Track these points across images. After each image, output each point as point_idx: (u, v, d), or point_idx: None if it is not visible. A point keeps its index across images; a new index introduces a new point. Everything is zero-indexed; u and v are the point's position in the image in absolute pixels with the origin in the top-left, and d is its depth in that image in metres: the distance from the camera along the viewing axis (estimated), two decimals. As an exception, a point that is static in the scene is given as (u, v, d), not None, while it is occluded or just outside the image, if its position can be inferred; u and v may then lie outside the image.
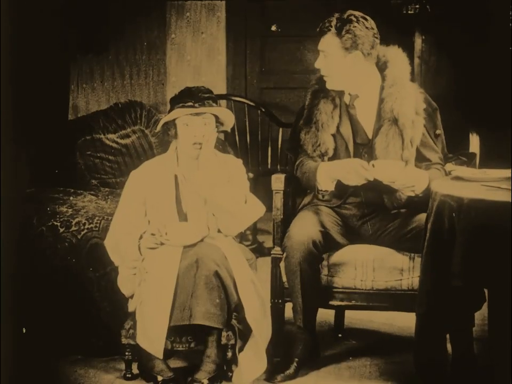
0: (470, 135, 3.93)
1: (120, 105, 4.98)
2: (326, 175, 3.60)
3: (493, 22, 5.30)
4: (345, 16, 3.57)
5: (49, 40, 4.69)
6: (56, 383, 3.69)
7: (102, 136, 4.83)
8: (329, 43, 3.57)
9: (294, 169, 3.74)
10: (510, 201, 2.99)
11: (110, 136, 4.83)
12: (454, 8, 5.72)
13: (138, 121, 4.88)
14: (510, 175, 3.29)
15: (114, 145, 4.82)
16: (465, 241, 3.06)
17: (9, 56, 3.14)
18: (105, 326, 3.91)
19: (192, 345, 3.60)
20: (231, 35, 6.50)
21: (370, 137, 3.65)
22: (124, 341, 3.60)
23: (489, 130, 4.14)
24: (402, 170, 3.49)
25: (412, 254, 3.60)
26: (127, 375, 3.64)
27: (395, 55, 3.67)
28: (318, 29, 3.61)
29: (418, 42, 5.95)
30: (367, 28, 3.57)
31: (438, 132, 3.69)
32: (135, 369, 3.64)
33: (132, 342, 3.59)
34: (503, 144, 4.36)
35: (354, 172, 3.50)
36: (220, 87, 6.44)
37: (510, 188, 3.13)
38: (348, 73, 3.59)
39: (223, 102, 6.13)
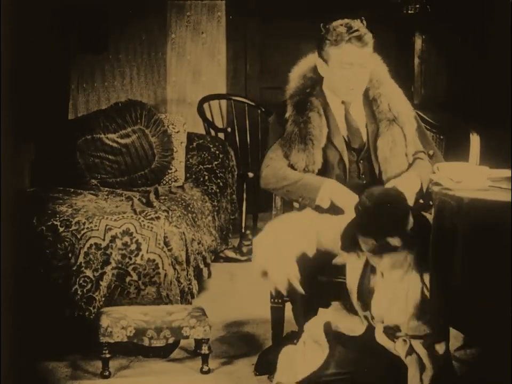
0: (470, 135, 3.93)
1: (120, 104, 4.99)
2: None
3: (493, 22, 5.30)
4: (362, 23, 3.45)
5: (49, 40, 4.70)
6: (55, 383, 3.69)
7: (102, 135, 4.83)
8: (365, 54, 3.45)
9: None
10: (510, 201, 2.99)
11: (110, 135, 4.84)
12: (454, 8, 5.72)
13: (139, 121, 4.88)
14: (510, 175, 3.28)
15: (114, 144, 4.82)
16: (465, 241, 3.06)
17: (9, 56, 3.14)
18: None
19: (170, 341, 3.64)
20: (231, 35, 6.50)
21: (364, 140, 3.61)
22: (102, 339, 3.61)
23: (489, 131, 4.13)
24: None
25: (412, 254, 3.60)
26: (104, 374, 3.64)
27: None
28: (352, 41, 3.42)
29: (418, 42, 5.94)
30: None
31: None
32: (112, 368, 3.66)
33: (110, 341, 3.61)
34: (503, 144, 4.36)
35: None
36: (219, 87, 6.43)
37: (510, 187, 3.13)
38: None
39: (223, 102, 6.13)
